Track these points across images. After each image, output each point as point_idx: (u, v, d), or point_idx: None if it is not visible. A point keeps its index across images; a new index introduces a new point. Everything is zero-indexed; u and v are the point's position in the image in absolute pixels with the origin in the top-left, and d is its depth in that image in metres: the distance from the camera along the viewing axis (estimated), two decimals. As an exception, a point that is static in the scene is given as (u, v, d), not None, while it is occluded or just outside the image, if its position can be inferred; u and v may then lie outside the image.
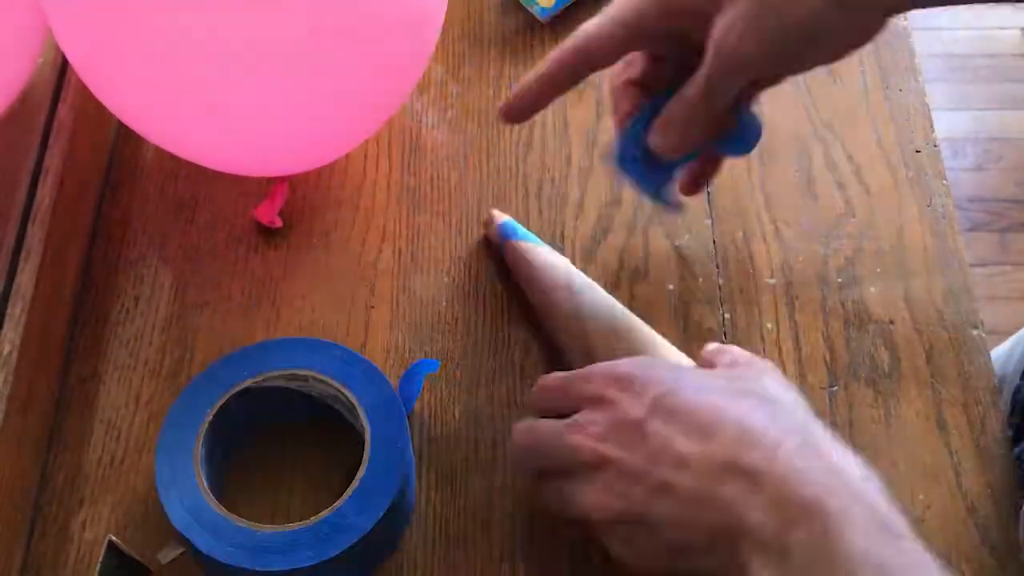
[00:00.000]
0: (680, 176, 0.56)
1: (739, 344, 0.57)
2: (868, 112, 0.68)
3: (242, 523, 0.49)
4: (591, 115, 0.68)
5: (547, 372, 0.58)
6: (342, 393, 0.53)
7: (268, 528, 0.49)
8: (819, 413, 0.56)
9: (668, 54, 0.53)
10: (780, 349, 0.59)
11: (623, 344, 0.55)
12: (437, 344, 0.60)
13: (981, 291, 0.63)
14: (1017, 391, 0.63)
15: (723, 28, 0.47)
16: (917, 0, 0.49)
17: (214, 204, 0.65)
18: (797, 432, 0.44)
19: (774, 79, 0.52)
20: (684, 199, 0.58)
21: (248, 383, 0.53)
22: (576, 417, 0.47)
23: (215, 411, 0.52)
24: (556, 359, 0.58)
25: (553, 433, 0.47)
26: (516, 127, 0.67)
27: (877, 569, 0.39)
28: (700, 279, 0.62)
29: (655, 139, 0.51)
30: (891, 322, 0.60)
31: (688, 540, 0.43)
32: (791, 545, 0.40)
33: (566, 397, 0.49)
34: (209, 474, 0.52)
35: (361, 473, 0.50)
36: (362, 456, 0.51)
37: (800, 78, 0.67)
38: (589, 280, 0.58)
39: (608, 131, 0.67)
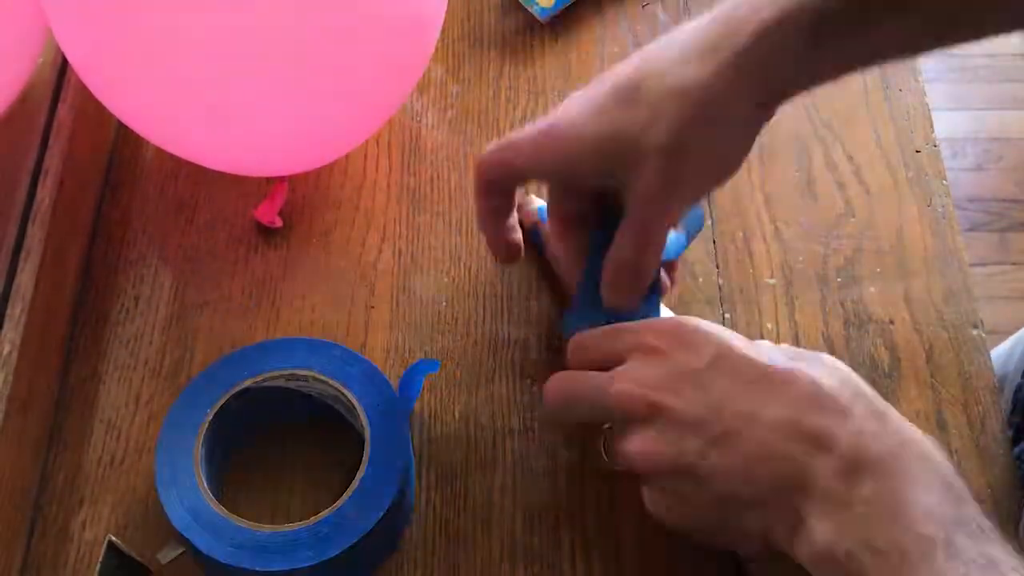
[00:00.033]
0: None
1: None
2: (868, 112, 0.68)
3: (242, 523, 0.49)
4: (591, 115, 0.68)
5: (547, 371, 0.58)
6: (342, 393, 0.53)
7: (268, 528, 0.49)
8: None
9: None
10: (780, 349, 0.59)
11: None
12: (437, 344, 0.60)
13: (981, 291, 0.63)
14: (1018, 390, 0.63)
15: (641, 193, 0.48)
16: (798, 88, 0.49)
17: (214, 204, 0.65)
18: (865, 397, 0.45)
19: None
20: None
21: (248, 383, 0.53)
22: (622, 367, 0.46)
23: (215, 411, 0.52)
24: (554, 359, 0.59)
25: (597, 381, 0.46)
26: (516, 127, 0.67)
27: (940, 526, 0.39)
28: (700, 279, 0.62)
29: (611, 302, 0.51)
30: (891, 322, 0.60)
31: (741, 493, 0.43)
32: (854, 499, 0.41)
33: (611, 350, 0.47)
34: (209, 474, 0.52)
35: (361, 473, 0.50)
36: (362, 456, 0.51)
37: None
38: None
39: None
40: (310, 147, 0.61)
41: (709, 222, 0.63)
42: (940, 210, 0.64)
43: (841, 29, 0.45)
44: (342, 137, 0.62)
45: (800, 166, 0.66)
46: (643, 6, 0.72)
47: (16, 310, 0.55)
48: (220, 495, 0.53)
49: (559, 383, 0.48)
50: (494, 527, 0.54)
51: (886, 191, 0.65)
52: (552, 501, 0.55)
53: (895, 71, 0.69)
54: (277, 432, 0.56)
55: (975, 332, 0.59)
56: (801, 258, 0.62)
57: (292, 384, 0.54)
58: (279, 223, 0.63)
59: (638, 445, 0.45)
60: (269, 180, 0.65)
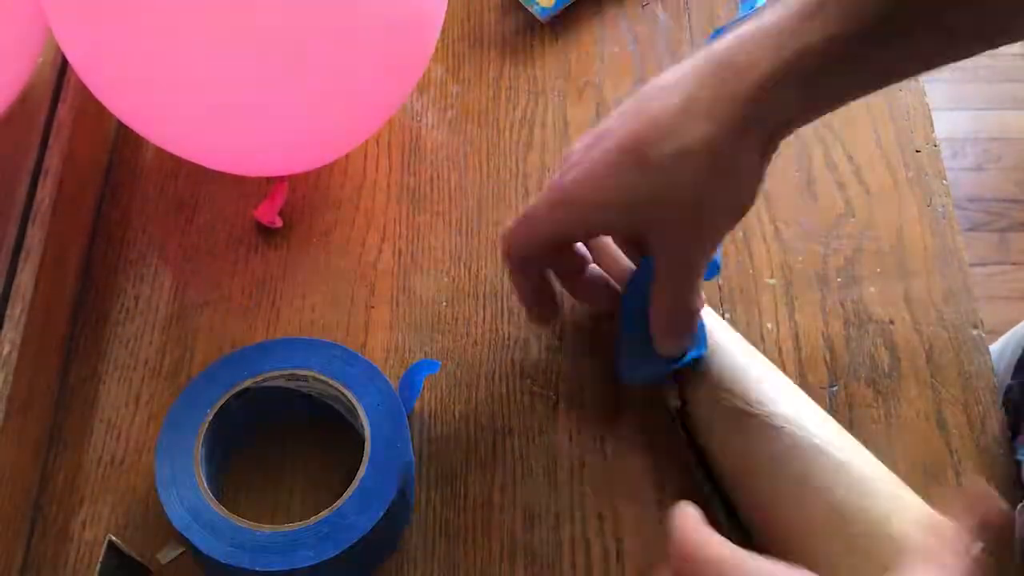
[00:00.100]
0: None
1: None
2: (868, 112, 0.68)
3: (242, 523, 0.49)
4: (591, 115, 0.68)
5: (547, 371, 0.58)
6: (342, 393, 0.53)
7: (268, 528, 0.49)
8: (819, 413, 0.56)
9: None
10: (780, 349, 0.59)
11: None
12: (437, 344, 0.60)
13: (981, 291, 0.63)
14: (1008, 390, 0.63)
15: (671, 252, 0.50)
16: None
17: (214, 204, 0.65)
18: None
19: None
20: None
21: (248, 383, 0.53)
22: None
23: (215, 411, 0.52)
24: (554, 359, 0.59)
25: None
26: (516, 127, 0.67)
27: None
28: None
29: (663, 352, 0.52)
30: (891, 322, 0.60)
31: None
32: None
33: None
34: (209, 474, 0.52)
35: (361, 473, 0.50)
36: (362, 456, 0.51)
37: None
38: None
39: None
40: (310, 147, 0.61)
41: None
42: (940, 210, 0.64)
43: (843, 68, 0.46)
44: (342, 137, 0.62)
45: (800, 166, 0.66)
46: (643, 6, 0.72)
47: (16, 310, 0.55)
48: (220, 495, 0.53)
49: None
50: (494, 527, 0.54)
51: (886, 191, 0.65)
52: (552, 501, 0.55)
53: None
54: (277, 432, 0.56)
55: (975, 332, 0.59)
56: (801, 258, 0.62)
57: (292, 384, 0.54)
58: (279, 223, 0.63)
59: None
60: (269, 180, 0.65)
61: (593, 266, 0.57)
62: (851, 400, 0.57)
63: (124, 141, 0.67)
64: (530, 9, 0.71)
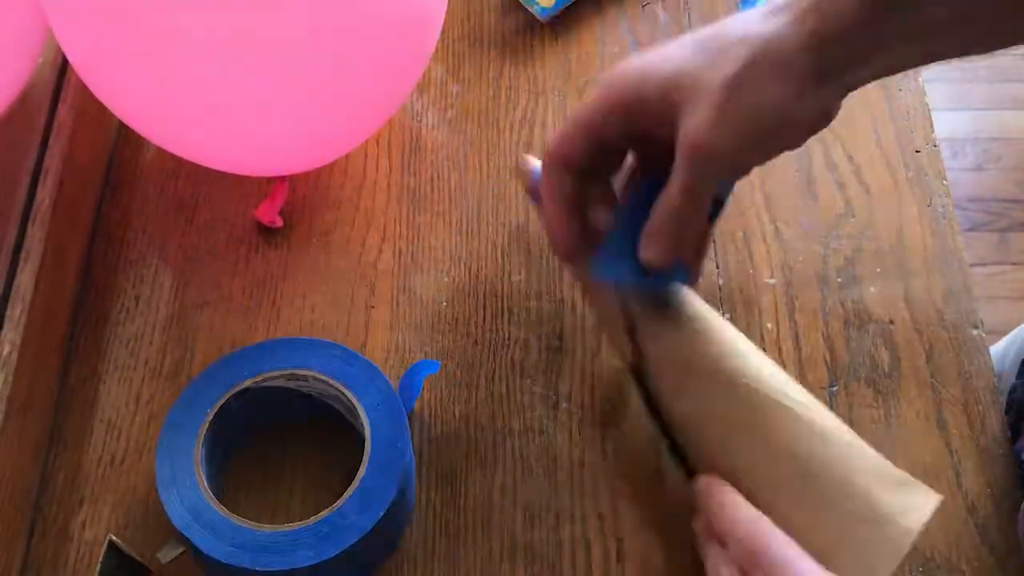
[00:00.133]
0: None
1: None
2: (868, 112, 0.68)
3: (242, 523, 0.49)
4: (591, 115, 0.68)
5: (547, 371, 0.58)
6: (342, 393, 0.53)
7: (268, 528, 0.49)
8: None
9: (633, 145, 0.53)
10: (780, 349, 0.59)
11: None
12: (437, 344, 0.60)
13: (981, 291, 0.63)
14: (1013, 390, 0.63)
15: (692, 128, 0.47)
16: (878, 74, 0.49)
17: (214, 204, 0.65)
18: None
19: (743, 172, 0.53)
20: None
21: (248, 383, 0.53)
22: None
23: (215, 411, 0.52)
24: (554, 359, 0.59)
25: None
26: (516, 127, 0.67)
27: None
28: (700, 279, 0.61)
29: (646, 253, 0.50)
30: (891, 322, 0.60)
31: None
32: None
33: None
34: (209, 474, 0.52)
35: (361, 473, 0.50)
36: (362, 456, 0.51)
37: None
38: None
39: (608, 131, 0.67)
40: (310, 147, 0.61)
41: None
42: (940, 210, 0.64)
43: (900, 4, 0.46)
44: (342, 137, 0.62)
45: (800, 166, 0.66)
46: (643, 6, 0.72)
47: (16, 310, 0.55)
48: (220, 495, 0.53)
49: None
50: (494, 527, 0.54)
51: (886, 191, 0.65)
52: (552, 501, 0.55)
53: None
54: (277, 432, 0.56)
55: (975, 332, 0.59)
56: (801, 258, 0.62)
57: (292, 384, 0.54)
58: (279, 223, 0.63)
59: None
60: (269, 180, 0.65)
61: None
62: (851, 400, 0.57)
63: (124, 141, 0.67)
64: (530, 9, 0.71)
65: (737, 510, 0.47)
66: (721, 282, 0.61)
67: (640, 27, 0.71)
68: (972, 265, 0.63)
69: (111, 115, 0.60)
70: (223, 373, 0.54)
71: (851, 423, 0.56)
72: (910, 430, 0.56)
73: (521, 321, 0.60)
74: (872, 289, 0.61)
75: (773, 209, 0.64)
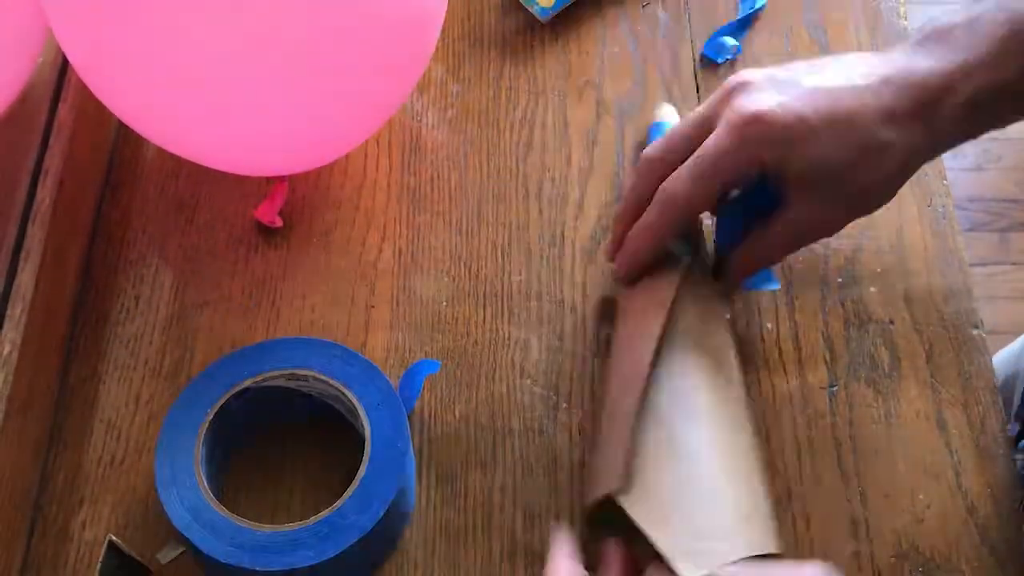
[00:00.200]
0: None
1: (739, 344, 0.57)
2: (868, 112, 0.67)
3: (242, 523, 0.49)
4: (591, 115, 0.68)
5: (547, 371, 0.58)
6: (342, 393, 0.53)
7: (268, 528, 0.49)
8: (819, 413, 0.57)
9: None
10: (780, 349, 0.59)
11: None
12: (437, 344, 0.60)
13: (981, 291, 0.63)
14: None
15: (804, 215, 0.53)
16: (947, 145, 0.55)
17: (214, 204, 0.65)
18: None
19: None
20: None
21: (248, 383, 0.53)
22: None
23: (215, 411, 0.52)
24: (554, 359, 0.59)
25: None
26: (516, 127, 0.67)
27: None
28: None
29: (738, 268, 0.56)
30: (891, 322, 0.60)
31: None
32: None
33: None
34: (209, 474, 0.52)
35: (361, 473, 0.50)
36: (362, 456, 0.51)
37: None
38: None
39: (608, 130, 0.67)
40: (310, 147, 0.61)
41: (710, 221, 0.63)
42: (940, 210, 0.64)
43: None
44: (342, 137, 0.62)
45: (800, 166, 0.65)
46: (643, 6, 0.72)
47: (16, 310, 0.55)
48: (220, 495, 0.53)
49: None
50: (494, 527, 0.54)
51: (886, 191, 0.65)
52: (552, 501, 0.55)
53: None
54: (277, 432, 0.56)
55: (975, 332, 0.59)
56: (801, 258, 0.62)
57: (292, 384, 0.54)
58: (279, 223, 0.63)
59: None
60: (269, 180, 0.65)
61: None
62: (851, 400, 0.57)
63: (124, 141, 0.67)
64: (530, 9, 0.71)
65: None
66: (721, 282, 0.61)
67: (640, 27, 0.71)
68: (972, 265, 0.62)
69: (111, 115, 0.60)
70: (223, 373, 0.54)
71: (851, 423, 0.57)
72: (910, 430, 0.56)
73: (521, 321, 0.60)
74: (872, 289, 0.61)
75: (773, 209, 0.64)
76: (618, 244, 0.56)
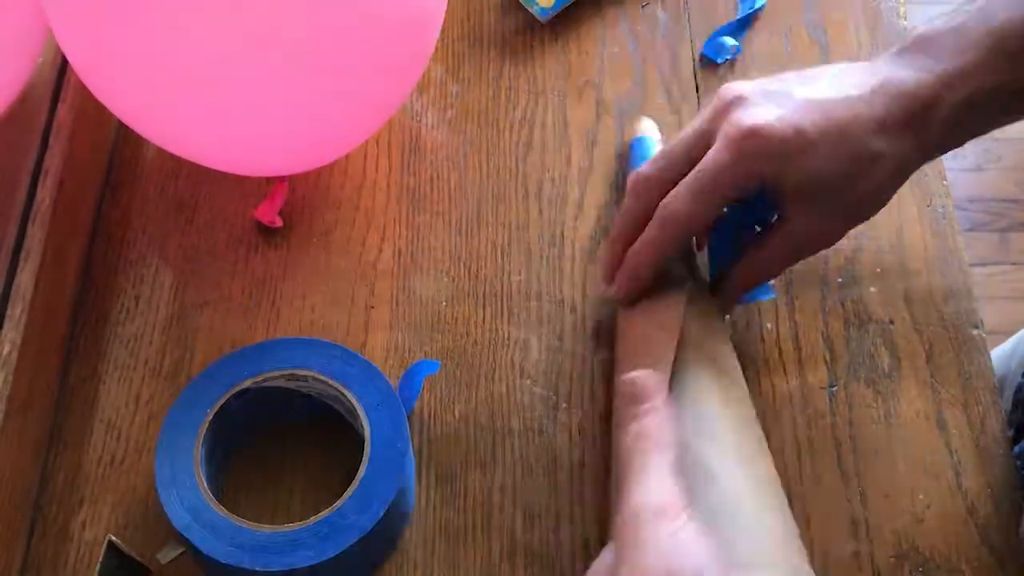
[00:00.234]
0: None
1: (739, 344, 0.57)
2: (868, 112, 0.67)
3: (242, 523, 0.49)
4: (591, 115, 0.68)
5: (547, 371, 0.58)
6: (342, 393, 0.53)
7: (268, 528, 0.49)
8: (819, 413, 0.57)
9: None
10: (780, 349, 0.59)
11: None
12: (437, 344, 0.60)
13: (981, 291, 0.63)
14: (1019, 389, 0.63)
15: (802, 227, 0.53)
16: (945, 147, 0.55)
17: (214, 204, 0.65)
18: None
19: None
20: None
21: (248, 383, 0.53)
22: None
23: (215, 411, 0.52)
24: (554, 359, 0.59)
25: None
26: (516, 127, 0.67)
27: None
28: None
29: (738, 284, 0.56)
30: (891, 322, 0.60)
31: None
32: None
33: None
34: (209, 474, 0.52)
35: (361, 473, 0.50)
36: (362, 456, 0.51)
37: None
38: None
39: (608, 130, 0.67)
40: (310, 147, 0.61)
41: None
42: (940, 210, 0.64)
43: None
44: (342, 137, 0.62)
45: (800, 166, 0.65)
46: (643, 6, 0.72)
47: (16, 310, 0.55)
48: (220, 495, 0.53)
49: None
50: (494, 527, 0.54)
51: (886, 191, 0.65)
52: (552, 501, 0.55)
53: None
54: (277, 432, 0.56)
55: (975, 332, 0.59)
56: (801, 258, 0.62)
57: (292, 384, 0.54)
58: (279, 223, 0.63)
59: None
60: (269, 180, 0.65)
61: None
62: (851, 400, 0.57)
63: (124, 141, 0.67)
64: (530, 9, 0.71)
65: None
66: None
67: (640, 27, 0.71)
68: (972, 265, 0.62)
69: (111, 115, 0.60)
70: (223, 373, 0.54)
71: (851, 423, 0.57)
72: (910, 430, 0.56)
73: (521, 321, 0.60)
74: (872, 289, 0.61)
75: (773, 209, 0.64)
76: (616, 264, 0.55)
